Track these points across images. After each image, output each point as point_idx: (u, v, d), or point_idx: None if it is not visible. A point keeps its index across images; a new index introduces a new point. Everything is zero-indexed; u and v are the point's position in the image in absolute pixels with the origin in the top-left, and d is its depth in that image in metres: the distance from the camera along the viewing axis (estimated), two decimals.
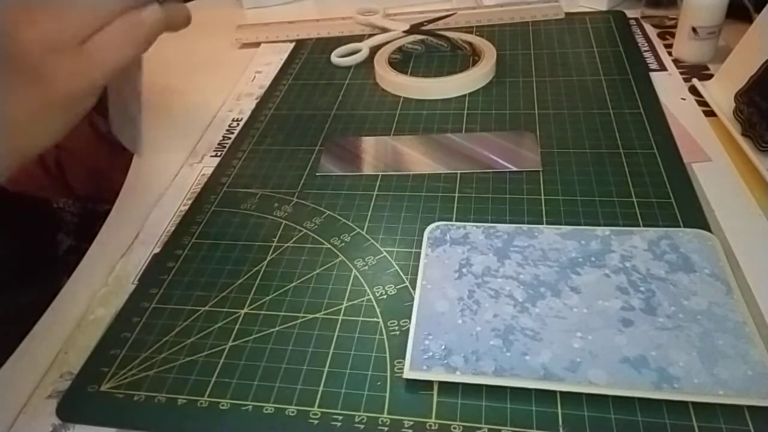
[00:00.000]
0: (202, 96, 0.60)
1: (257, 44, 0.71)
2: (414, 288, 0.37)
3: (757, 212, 0.40)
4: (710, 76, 0.54)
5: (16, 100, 0.31)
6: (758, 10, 0.50)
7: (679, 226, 0.39)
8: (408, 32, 0.66)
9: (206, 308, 0.38)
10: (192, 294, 0.39)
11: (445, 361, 0.32)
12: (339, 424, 0.31)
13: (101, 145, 0.69)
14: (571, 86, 0.56)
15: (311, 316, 0.37)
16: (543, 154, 0.47)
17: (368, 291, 0.38)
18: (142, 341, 0.36)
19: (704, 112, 0.51)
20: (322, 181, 0.48)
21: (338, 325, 0.36)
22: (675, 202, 0.41)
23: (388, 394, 0.32)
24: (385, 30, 0.68)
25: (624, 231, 0.39)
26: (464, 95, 0.56)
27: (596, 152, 0.47)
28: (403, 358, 0.33)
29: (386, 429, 0.30)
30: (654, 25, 0.65)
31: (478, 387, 0.31)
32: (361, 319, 0.36)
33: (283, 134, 0.54)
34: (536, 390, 0.31)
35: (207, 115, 0.58)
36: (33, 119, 0.32)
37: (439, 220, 0.42)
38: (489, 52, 0.60)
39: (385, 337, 0.35)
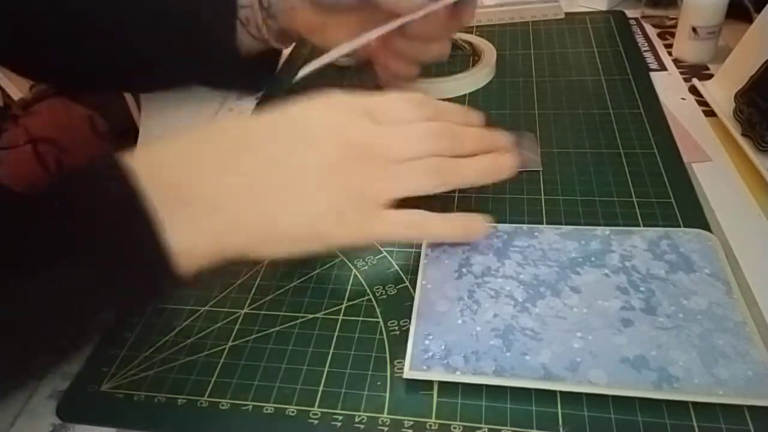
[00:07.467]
0: (202, 96, 0.60)
1: None
2: (414, 288, 0.37)
3: (757, 212, 0.40)
4: (710, 76, 0.54)
5: None
6: (758, 10, 0.50)
7: (679, 226, 0.39)
8: None
9: (206, 308, 0.38)
10: (192, 294, 0.39)
11: (445, 361, 0.32)
12: (339, 424, 0.31)
13: (101, 145, 0.69)
14: (571, 86, 0.56)
15: (311, 316, 0.37)
16: (543, 154, 0.47)
17: (368, 291, 0.38)
18: (142, 341, 0.36)
19: (704, 112, 0.51)
20: None
21: (338, 325, 0.36)
22: (675, 202, 0.41)
23: (388, 394, 0.32)
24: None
25: (624, 231, 0.39)
26: (464, 95, 0.56)
27: (596, 152, 0.47)
28: (403, 358, 0.33)
29: (386, 429, 0.30)
30: (654, 25, 0.65)
31: (478, 387, 0.31)
32: (361, 319, 0.36)
33: None
34: (536, 390, 0.31)
35: (208, 115, 0.58)
36: None
37: None
38: (489, 52, 0.60)
39: (385, 337, 0.35)
